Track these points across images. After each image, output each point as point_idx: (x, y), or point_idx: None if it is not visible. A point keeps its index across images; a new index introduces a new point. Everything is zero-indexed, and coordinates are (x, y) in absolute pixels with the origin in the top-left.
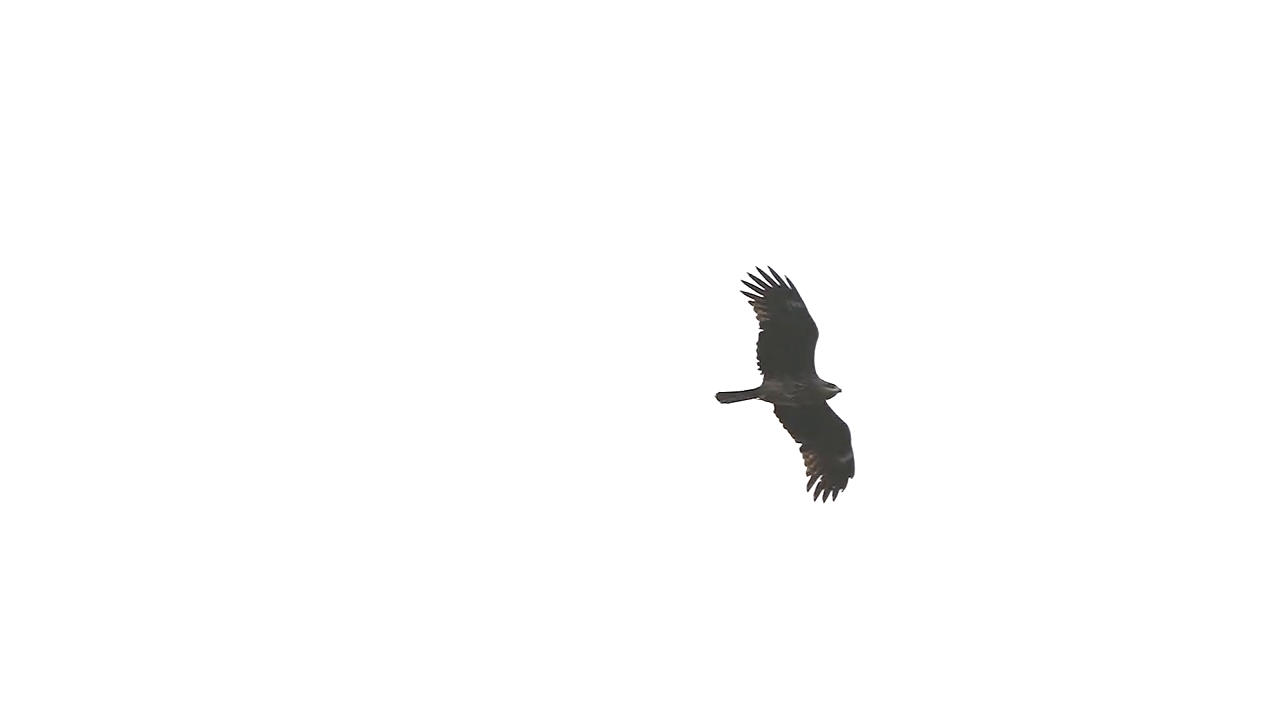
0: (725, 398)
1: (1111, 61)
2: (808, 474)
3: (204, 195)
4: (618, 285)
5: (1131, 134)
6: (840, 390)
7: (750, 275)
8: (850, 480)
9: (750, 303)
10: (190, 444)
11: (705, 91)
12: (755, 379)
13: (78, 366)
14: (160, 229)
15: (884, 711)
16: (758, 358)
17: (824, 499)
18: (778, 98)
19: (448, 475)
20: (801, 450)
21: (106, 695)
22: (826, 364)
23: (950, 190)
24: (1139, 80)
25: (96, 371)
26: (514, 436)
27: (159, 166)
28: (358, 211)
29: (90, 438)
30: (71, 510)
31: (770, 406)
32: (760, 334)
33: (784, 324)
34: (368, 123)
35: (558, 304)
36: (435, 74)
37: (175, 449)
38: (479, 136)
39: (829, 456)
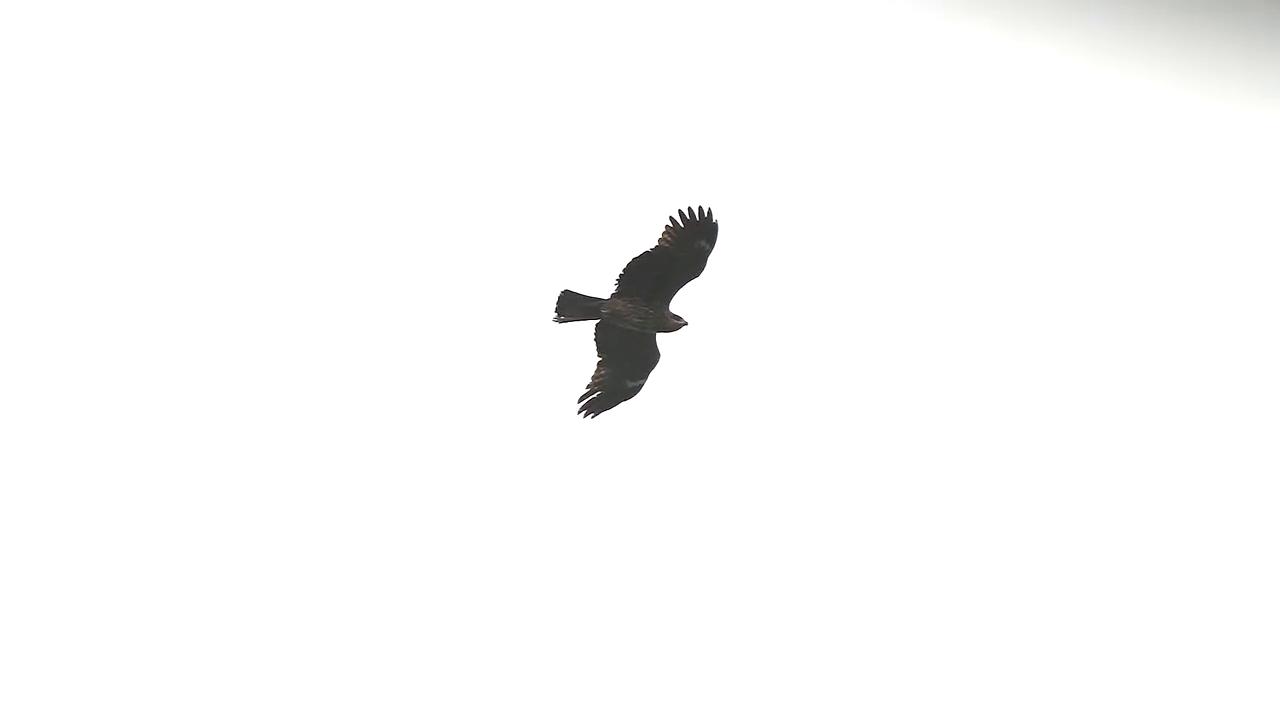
0: (567, 304)
1: None
2: (588, 386)
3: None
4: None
5: None
6: (686, 324)
7: (688, 209)
8: (622, 403)
9: (667, 227)
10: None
11: None
12: (602, 289)
13: (59, 365)
14: (138, 225)
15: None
16: (625, 273)
17: (586, 415)
18: None
19: None
20: (600, 364)
21: (105, 694)
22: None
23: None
24: None
25: (73, 369)
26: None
27: (144, 161)
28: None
29: (69, 435)
30: (64, 507)
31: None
32: (645, 253)
33: (677, 256)
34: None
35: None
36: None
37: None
38: None
39: (620, 378)
